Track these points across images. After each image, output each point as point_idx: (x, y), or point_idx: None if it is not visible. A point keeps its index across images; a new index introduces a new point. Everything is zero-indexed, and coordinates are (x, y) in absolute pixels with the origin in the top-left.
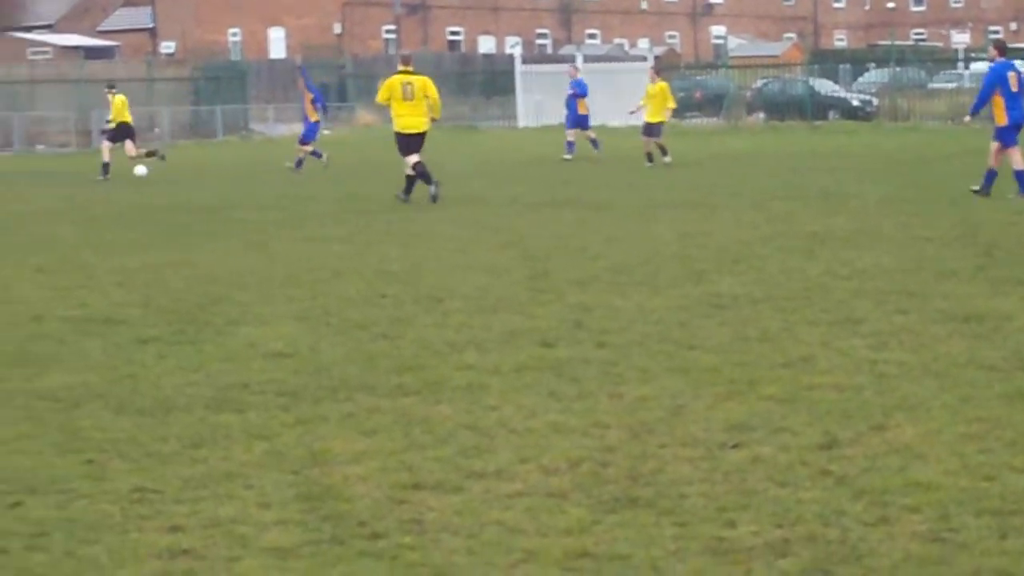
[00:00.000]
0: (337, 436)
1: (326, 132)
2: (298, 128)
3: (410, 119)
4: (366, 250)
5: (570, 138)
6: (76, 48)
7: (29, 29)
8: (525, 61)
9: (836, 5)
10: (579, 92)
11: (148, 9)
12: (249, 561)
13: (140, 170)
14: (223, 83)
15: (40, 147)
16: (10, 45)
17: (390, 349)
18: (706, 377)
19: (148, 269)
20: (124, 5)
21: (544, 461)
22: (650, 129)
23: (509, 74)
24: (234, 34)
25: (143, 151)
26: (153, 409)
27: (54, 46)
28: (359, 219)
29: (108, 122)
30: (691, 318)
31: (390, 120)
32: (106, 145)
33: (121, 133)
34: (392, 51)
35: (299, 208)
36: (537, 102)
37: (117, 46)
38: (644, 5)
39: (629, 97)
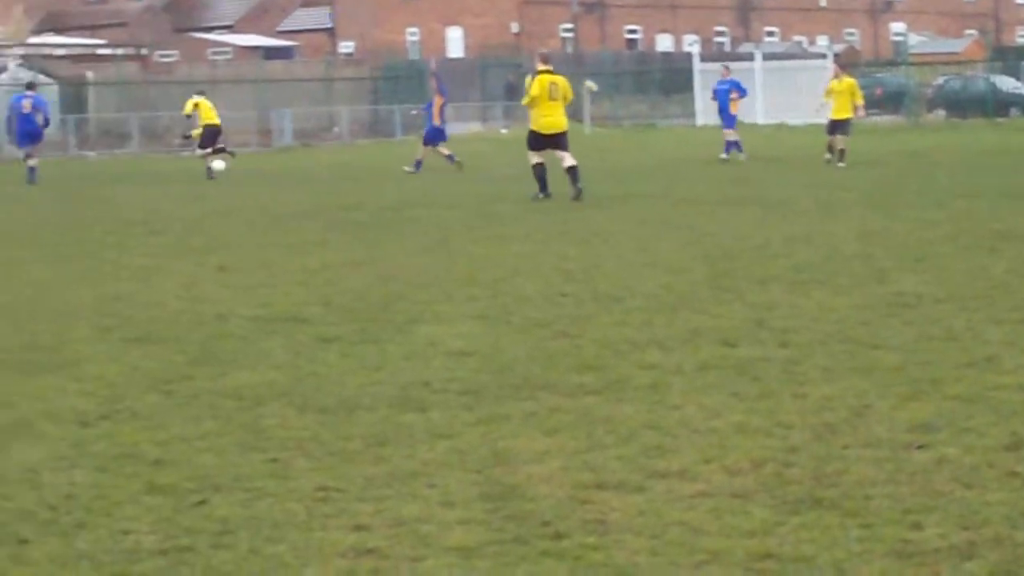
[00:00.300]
0: (520, 435)
1: (503, 131)
2: (475, 127)
3: (553, 119)
4: (545, 248)
5: (729, 138)
6: (255, 48)
7: (209, 30)
8: (703, 59)
9: (1018, 1)
10: (737, 92)
11: (327, 9)
12: (433, 560)
13: (218, 165)
14: (402, 83)
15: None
16: (191, 45)
17: (571, 348)
18: (889, 377)
19: (329, 268)
20: (303, 5)
21: (727, 461)
22: (836, 126)
23: (687, 72)
24: (412, 34)
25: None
26: (336, 408)
27: (234, 46)
28: (538, 217)
29: (189, 132)
30: (874, 317)
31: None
32: (200, 153)
33: (210, 137)
34: (569, 49)
35: (479, 207)
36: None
37: (296, 46)
38: (823, 2)
39: (807, 95)
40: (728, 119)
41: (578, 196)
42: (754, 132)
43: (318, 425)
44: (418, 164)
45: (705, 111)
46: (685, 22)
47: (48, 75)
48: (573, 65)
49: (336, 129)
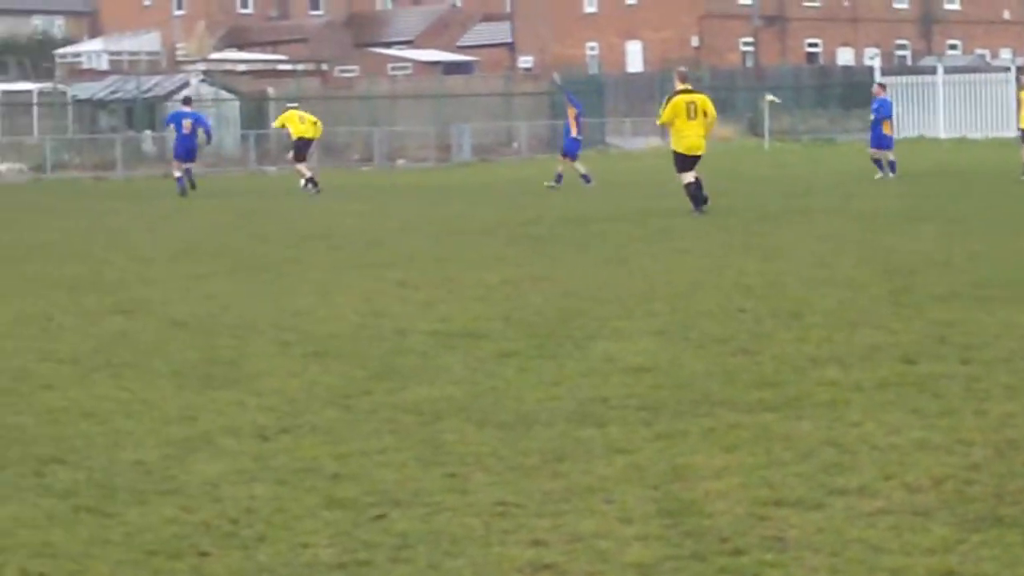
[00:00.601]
0: (698, 451)
1: None
2: (654, 141)
3: (693, 139)
4: (724, 264)
5: (882, 157)
6: (435, 63)
7: (389, 45)
8: (884, 72)
9: None
10: (883, 113)
11: (507, 24)
12: None
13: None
14: (581, 97)
15: (400, 162)
16: (371, 61)
17: (750, 364)
18: None
19: (508, 283)
20: (483, 20)
21: (907, 478)
22: None
23: (867, 86)
24: (592, 48)
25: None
26: (514, 423)
27: (414, 61)
28: (718, 233)
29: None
30: None
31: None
32: (300, 167)
33: (301, 149)
34: (750, 63)
35: (657, 221)
36: (896, 114)
37: (476, 61)
38: (1007, 15)
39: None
40: (882, 139)
41: (699, 211)
42: (935, 146)
43: (496, 440)
44: (559, 178)
45: None
46: (866, 35)
47: (229, 91)
48: (753, 79)
49: (515, 144)
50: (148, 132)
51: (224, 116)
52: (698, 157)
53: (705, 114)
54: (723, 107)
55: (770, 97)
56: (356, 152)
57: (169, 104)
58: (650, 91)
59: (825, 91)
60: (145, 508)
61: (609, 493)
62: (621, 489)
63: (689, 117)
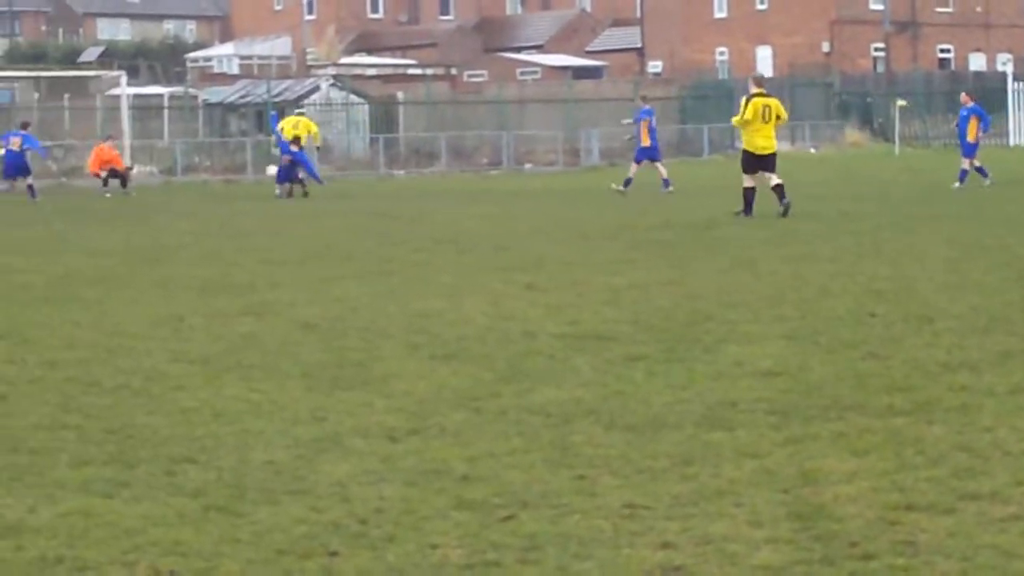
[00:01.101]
0: (828, 455)
1: (812, 151)
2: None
3: (766, 140)
4: (854, 268)
5: (964, 166)
6: (564, 68)
7: (519, 50)
8: (1016, 78)
9: None
10: (982, 121)
11: (636, 29)
12: None
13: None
14: (710, 102)
15: (528, 166)
16: (501, 65)
17: (880, 369)
18: None
19: (636, 287)
20: (612, 25)
21: None
22: None
23: (1000, 92)
24: (721, 53)
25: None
26: (643, 426)
27: (543, 66)
28: (847, 237)
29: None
30: None
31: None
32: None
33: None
34: (880, 69)
35: (786, 226)
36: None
37: (605, 66)
38: None
39: None
40: (967, 147)
41: (786, 211)
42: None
43: (625, 443)
44: (627, 182)
45: (1017, 130)
46: (999, 41)
47: (359, 95)
48: (884, 85)
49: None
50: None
51: (353, 120)
52: (767, 157)
53: (777, 117)
54: (854, 113)
55: (901, 102)
56: (484, 156)
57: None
58: (780, 96)
59: (956, 97)
60: (275, 508)
61: (738, 496)
62: (750, 493)
63: (764, 120)
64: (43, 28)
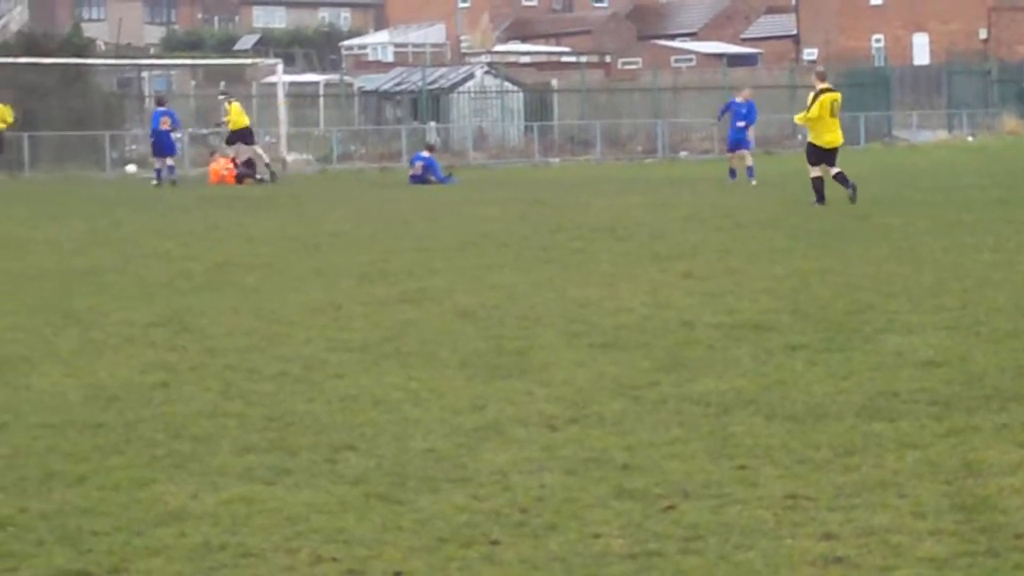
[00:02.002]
0: (991, 447)
1: (970, 139)
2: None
3: (833, 134)
4: (1015, 257)
5: None
6: (719, 55)
7: (673, 37)
8: None
9: None
10: None
11: (792, 16)
12: (904, 571)
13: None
14: (866, 89)
15: (683, 154)
16: (655, 53)
17: None
18: None
19: (794, 275)
20: (767, 13)
21: None
22: None
23: None
24: (877, 40)
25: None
26: (804, 416)
27: (697, 53)
28: (1006, 226)
29: (218, 125)
30: None
31: None
32: (231, 151)
33: (236, 138)
34: None
35: (946, 215)
36: None
37: (759, 53)
38: None
39: None
40: None
41: (854, 196)
42: None
43: (785, 433)
44: (749, 171)
45: None
46: None
47: (513, 82)
48: None
49: (799, 136)
50: (432, 123)
51: (508, 108)
52: (833, 151)
53: (839, 110)
54: (1012, 100)
55: None
56: (639, 144)
57: (454, 96)
58: (937, 84)
59: None
60: (436, 496)
61: (901, 488)
62: (913, 484)
63: (832, 115)
64: (199, 16)
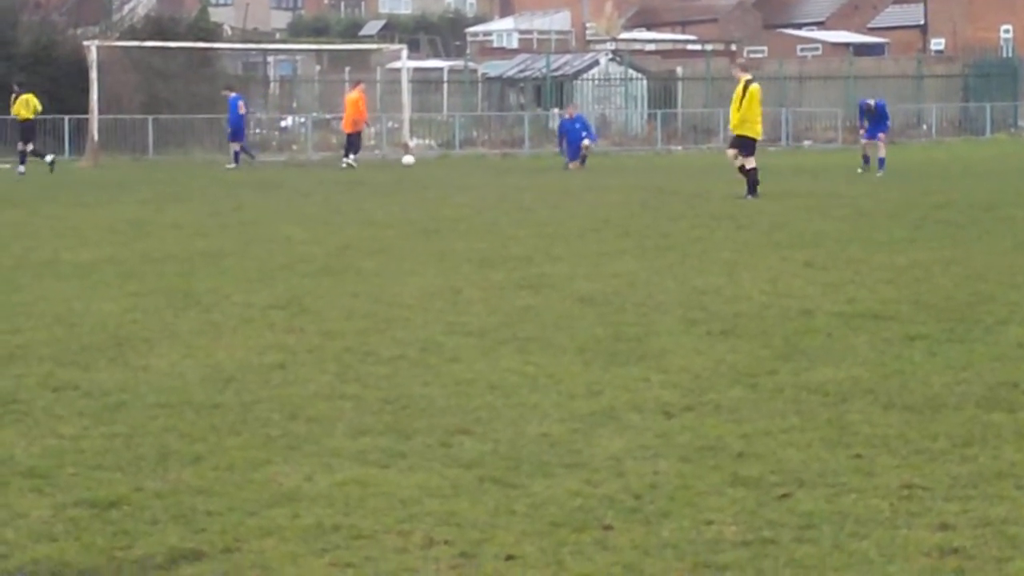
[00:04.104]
0: None
1: None
2: None
3: (760, 125)
4: None
5: None
6: (845, 45)
7: (799, 26)
8: None
9: None
10: None
11: (919, 6)
12: (1021, 562)
13: (408, 159)
14: (993, 80)
15: (807, 143)
16: (781, 42)
17: None
18: None
19: (916, 266)
20: (895, 2)
21: None
22: None
23: None
24: (1006, 31)
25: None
26: (922, 406)
27: (823, 43)
28: None
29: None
30: None
31: None
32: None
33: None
34: None
35: None
36: None
37: (886, 43)
38: None
39: None
40: None
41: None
42: None
43: (903, 423)
44: (880, 162)
45: None
46: None
47: (638, 70)
48: None
49: (924, 126)
50: (556, 110)
51: (631, 95)
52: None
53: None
54: None
55: None
56: (763, 132)
57: (578, 83)
58: None
59: None
60: (550, 481)
61: (1019, 479)
62: None
63: (760, 104)
64: (326, 2)
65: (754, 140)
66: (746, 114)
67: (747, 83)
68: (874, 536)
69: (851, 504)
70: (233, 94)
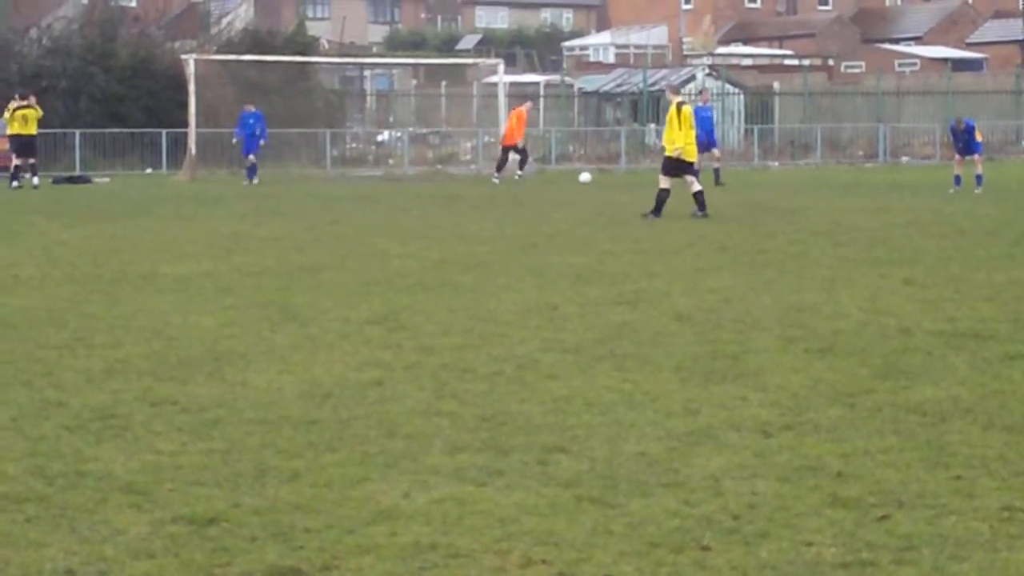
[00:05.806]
0: None
1: None
2: None
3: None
4: None
5: None
6: (943, 60)
7: (897, 41)
8: None
9: None
10: None
11: (1018, 21)
12: None
13: (584, 177)
14: None
15: (905, 159)
16: (879, 56)
17: None
18: None
19: (1016, 284)
20: (994, 17)
21: None
22: None
23: None
24: None
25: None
26: (1022, 426)
27: (921, 58)
28: None
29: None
30: None
31: None
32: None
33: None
34: None
35: None
36: None
37: (984, 58)
38: None
39: None
40: None
41: (700, 214)
42: None
43: (1003, 444)
44: (978, 179)
45: None
46: None
47: (734, 84)
48: None
49: (1023, 143)
50: (652, 125)
51: (728, 110)
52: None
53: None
54: None
55: None
56: (860, 148)
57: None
58: None
59: None
60: (648, 500)
61: None
62: None
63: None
64: (422, 16)
65: (691, 163)
66: (687, 137)
67: (679, 105)
68: (974, 559)
69: (951, 526)
70: (252, 109)
